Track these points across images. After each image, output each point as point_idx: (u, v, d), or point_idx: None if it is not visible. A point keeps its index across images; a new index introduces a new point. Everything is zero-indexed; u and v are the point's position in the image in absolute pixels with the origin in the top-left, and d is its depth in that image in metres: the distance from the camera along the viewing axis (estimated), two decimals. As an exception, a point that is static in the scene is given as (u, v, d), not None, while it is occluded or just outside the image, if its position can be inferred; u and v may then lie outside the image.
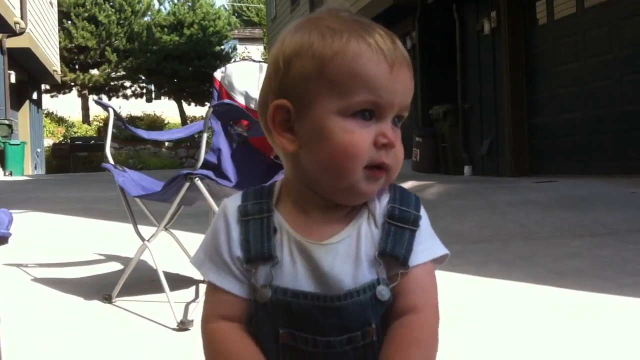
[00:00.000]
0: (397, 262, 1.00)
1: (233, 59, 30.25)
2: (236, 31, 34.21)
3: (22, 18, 14.94)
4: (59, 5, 24.85)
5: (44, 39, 18.40)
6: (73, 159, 23.77)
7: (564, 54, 8.42)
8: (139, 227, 2.85)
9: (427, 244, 1.03)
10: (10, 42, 15.09)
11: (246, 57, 32.91)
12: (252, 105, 3.09)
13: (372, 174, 0.98)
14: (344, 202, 1.01)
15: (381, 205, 1.03)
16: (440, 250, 1.05)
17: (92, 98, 29.24)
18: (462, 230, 4.61)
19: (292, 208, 1.03)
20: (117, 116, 2.87)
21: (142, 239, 2.73)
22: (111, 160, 2.80)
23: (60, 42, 24.42)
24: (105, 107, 2.86)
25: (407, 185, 7.82)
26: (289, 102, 0.98)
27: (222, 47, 30.19)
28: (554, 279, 3.01)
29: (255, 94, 3.09)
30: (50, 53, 19.47)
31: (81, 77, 29.04)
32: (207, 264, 1.05)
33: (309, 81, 0.97)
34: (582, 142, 8.13)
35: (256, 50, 36.27)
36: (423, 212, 1.05)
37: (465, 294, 2.85)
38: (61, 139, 26.45)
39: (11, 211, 4.90)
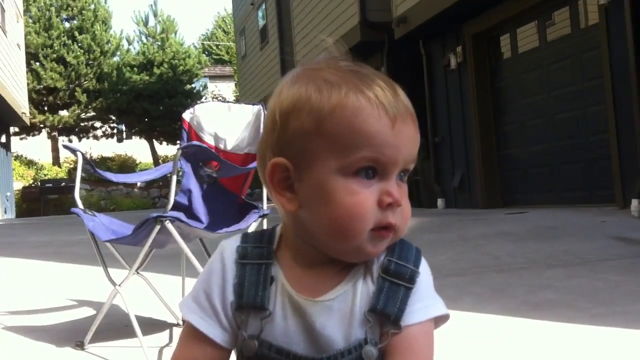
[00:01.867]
0: (389, 320, 0.94)
1: (204, 97, 30.37)
2: (206, 69, 34.32)
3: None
4: (27, 46, 24.77)
5: (12, 81, 18.29)
6: (43, 202, 23.45)
7: (529, 86, 8.60)
8: (111, 270, 2.82)
9: (425, 302, 0.97)
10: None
11: (217, 95, 32.92)
12: (222, 146, 3.10)
13: (378, 234, 0.92)
14: (348, 260, 0.96)
15: (379, 259, 0.97)
16: (440, 310, 0.98)
17: (61, 141, 29.02)
18: (436, 263, 4.62)
19: (290, 259, 0.99)
20: (86, 160, 2.86)
21: (113, 283, 2.70)
22: (80, 205, 2.77)
23: (28, 84, 24.27)
24: (74, 151, 2.85)
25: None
26: (287, 160, 0.94)
27: (193, 85, 30.23)
28: (527, 310, 3.03)
29: (224, 134, 3.10)
30: (18, 95, 19.33)
31: (50, 118, 28.82)
32: (192, 307, 1.00)
33: (307, 138, 0.92)
34: (550, 172, 8.26)
35: (227, 88, 36.44)
36: (424, 268, 0.99)
37: (440, 329, 2.85)
38: (31, 182, 26.11)
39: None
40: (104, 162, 27.58)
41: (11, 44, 18.78)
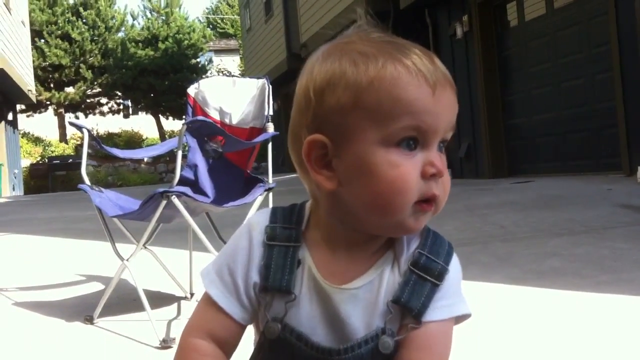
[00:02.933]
0: (410, 314, 0.93)
1: (209, 71, 30.26)
2: (211, 43, 34.16)
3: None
4: (31, 24, 24.69)
5: (17, 58, 18.26)
6: (51, 178, 23.56)
7: (536, 54, 8.53)
8: (119, 245, 2.84)
9: (449, 300, 0.95)
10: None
11: (222, 69, 32.79)
12: (227, 120, 3.10)
13: (421, 208, 0.90)
14: (389, 235, 0.95)
15: (409, 250, 0.96)
16: (463, 309, 0.97)
17: (67, 118, 29.07)
18: (442, 233, 4.60)
19: (320, 242, 0.97)
20: (92, 136, 2.87)
21: (121, 258, 2.73)
22: (87, 181, 2.79)
23: (34, 61, 24.24)
24: (79, 128, 2.86)
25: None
26: (324, 136, 0.91)
27: (198, 60, 30.12)
28: (532, 279, 3.04)
29: (229, 108, 3.10)
30: (24, 72, 19.32)
31: (57, 95, 28.83)
32: (214, 280, 0.99)
33: (346, 113, 0.89)
34: (557, 141, 8.23)
35: (232, 62, 36.31)
36: (454, 265, 0.97)
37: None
38: (39, 159, 26.21)
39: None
40: (111, 138, 27.63)
41: (16, 22, 18.72)
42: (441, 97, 0.89)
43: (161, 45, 28.51)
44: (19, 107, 23.34)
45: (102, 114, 31.28)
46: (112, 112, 31.59)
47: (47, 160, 25.10)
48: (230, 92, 3.13)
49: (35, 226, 7.07)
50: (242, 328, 0.99)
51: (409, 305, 0.92)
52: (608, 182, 6.34)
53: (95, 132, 27.59)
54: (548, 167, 8.37)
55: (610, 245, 3.60)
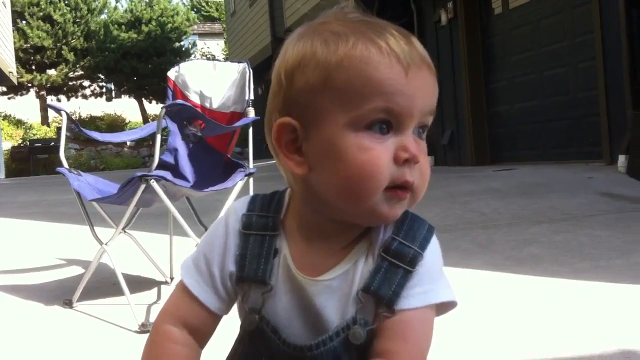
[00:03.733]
0: (382, 302, 0.89)
1: (193, 55, 30.05)
2: (195, 27, 33.91)
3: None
4: (13, 5, 24.35)
5: (-2, 40, 18.03)
6: (33, 161, 23.34)
7: (519, 42, 8.55)
8: (98, 229, 2.83)
9: (425, 287, 0.90)
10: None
11: (206, 53, 32.62)
12: (207, 105, 3.08)
13: (394, 194, 0.86)
14: (364, 224, 0.91)
15: (384, 236, 0.92)
16: (442, 296, 0.92)
17: (49, 100, 28.77)
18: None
19: (296, 231, 0.94)
20: (70, 119, 2.84)
21: (100, 242, 2.71)
22: (65, 164, 2.77)
23: (15, 43, 23.92)
24: (58, 111, 2.83)
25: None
26: (294, 119, 0.88)
27: (182, 43, 29.91)
28: (512, 265, 3.06)
29: (210, 92, 3.09)
30: (5, 54, 19.07)
31: (38, 77, 28.51)
32: (190, 268, 0.98)
33: (315, 93, 0.86)
34: (539, 129, 8.27)
35: (216, 46, 36.07)
36: (431, 250, 0.92)
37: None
38: (20, 141, 25.95)
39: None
40: (94, 122, 27.40)
41: (-5, 2, 18.46)
42: (415, 79, 0.86)
43: (144, 28, 28.27)
44: (0, 89, 23.06)
45: (85, 97, 30.99)
46: (95, 95, 31.30)
47: (28, 143, 24.85)
48: (211, 76, 3.11)
49: (14, 209, 7.01)
50: (217, 317, 0.98)
51: (380, 293, 0.88)
52: (589, 171, 6.39)
53: (77, 116, 27.28)
54: (530, 155, 8.41)
55: (589, 233, 3.63)
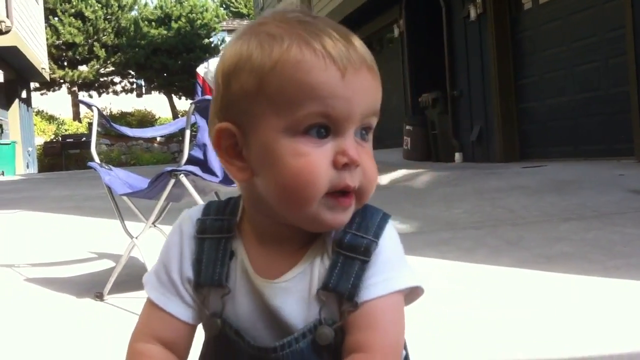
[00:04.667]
0: (343, 297, 0.86)
1: (222, 52, 30.15)
2: (224, 23, 34.04)
3: (7, 17, 14.87)
4: (45, 2, 24.71)
5: (31, 36, 18.31)
6: (65, 156, 23.69)
7: (549, 38, 8.45)
8: (129, 223, 2.87)
9: (385, 275, 0.88)
10: (-3, 41, 15.03)
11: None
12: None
13: (336, 202, 0.84)
14: (309, 230, 0.88)
15: (337, 231, 0.89)
16: (404, 282, 0.89)
17: (81, 96, 29.15)
18: (451, 217, 4.64)
19: (251, 234, 0.92)
20: (101, 114, 2.88)
21: (130, 236, 2.75)
22: (97, 159, 2.81)
23: (47, 40, 24.30)
24: (89, 106, 2.87)
25: (398, 174, 7.85)
26: (232, 124, 0.86)
27: (211, 39, 30.09)
28: (541, 263, 3.04)
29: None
30: (37, 51, 19.37)
31: (70, 74, 28.92)
32: (153, 282, 0.95)
33: (250, 99, 0.84)
34: (569, 126, 8.17)
35: (245, 42, 36.11)
36: (387, 237, 0.89)
37: (454, 280, 2.88)
38: (52, 137, 26.35)
39: (3, 211, 4.91)
40: (124, 117, 27.73)
41: (29, 0, 18.73)
42: (353, 81, 0.83)
43: (174, 25, 28.51)
44: (32, 85, 23.42)
45: (115, 93, 31.36)
46: (125, 91, 31.65)
47: (60, 139, 25.23)
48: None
49: (47, 204, 7.12)
50: (190, 327, 0.95)
51: (339, 289, 0.86)
52: (620, 168, 6.30)
53: (108, 111, 27.62)
54: (560, 152, 8.31)
55: (620, 231, 3.59)
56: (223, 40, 31.64)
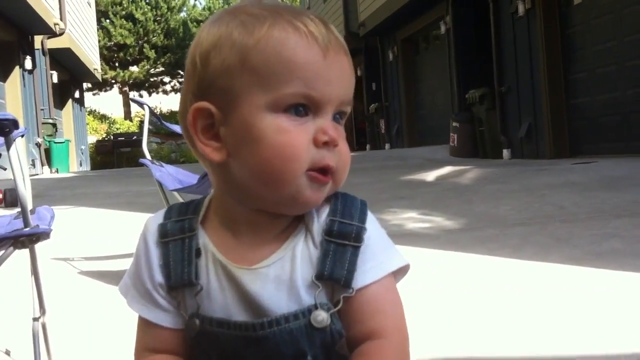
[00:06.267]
0: (339, 285, 0.86)
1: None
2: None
3: (61, 19, 15.24)
4: (97, 4, 25.27)
5: (84, 38, 18.75)
6: (116, 154, 24.20)
7: (600, 32, 8.28)
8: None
9: (377, 259, 0.88)
10: (51, 43, 15.42)
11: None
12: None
13: (316, 178, 0.84)
14: (287, 213, 0.87)
15: (320, 220, 0.88)
16: (396, 262, 0.90)
17: (131, 96, 29.72)
18: (499, 214, 4.60)
19: (220, 227, 0.90)
20: (152, 112, 2.95)
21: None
22: (148, 156, 2.88)
23: (99, 41, 24.85)
24: (141, 105, 2.95)
25: (445, 170, 7.80)
26: (210, 103, 0.85)
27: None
28: (591, 260, 3.00)
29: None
30: (90, 52, 19.82)
31: (121, 74, 29.53)
32: (132, 292, 0.93)
33: (231, 75, 0.84)
34: (621, 121, 8.00)
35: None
36: (371, 222, 0.90)
37: (501, 278, 2.87)
38: (104, 135, 26.95)
39: (57, 207, 5.08)
40: (174, 117, 28.13)
41: (82, 2, 19.19)
42: (334, 63, 0.84)
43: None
44: (85, 85, 23.98)
45: (165, 92, 31.90)
46: (175, 90, 32.15)
47: (112, 137, 25.78)
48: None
49: (100, 200, 7.30)
50: (179, 333, 0.92)
51: (334, 277, 0.85)
52: (674, 164, 6.14)
53: (158, 111, 27.95)
54: (611, 148, 8.14)
55: (673, 228, 3.51)
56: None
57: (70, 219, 6.15)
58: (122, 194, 8.03)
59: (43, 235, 1.46)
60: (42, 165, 14.71)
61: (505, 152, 9.91)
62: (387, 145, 16.16)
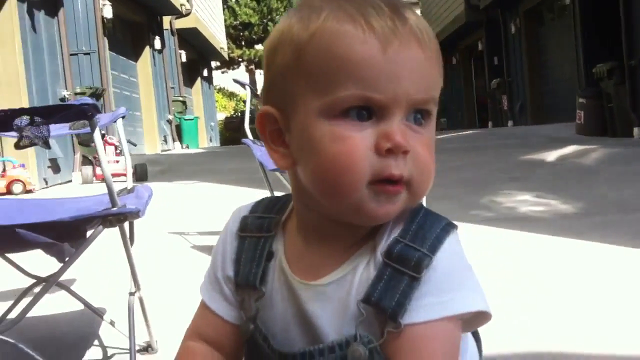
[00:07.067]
0: (384, 315, 0.76)
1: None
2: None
3: (187, 0, 15.84)
4: (223, -16, 26.03)
5: (210, 18, 19.39)
6: (243, 131, 24.94)
7: None
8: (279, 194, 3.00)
9: (439, 297, 0.76)
10: (179, 24, 16.11)
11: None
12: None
13: (381, 190, 0.74)
14: (355, 223, 0.79)
15: (389, 238, 0.78)
16: (464, 305, 0.76)
17: (257, 74, 30.50)
18: (621, 198, 4.37)
19: (296, 232, 0.85)
20: (254, 94, 3.03)
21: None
22: (250, 136, 2.98)
23: (225, 20, 25.62)
24: (243, 85, 3.04)
25: (568, 150, 7.47)
26: (274, 108, 0.80)
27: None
28: None
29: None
30: (216, 31, 20.49)
31: (247, 52, 30.34)
32: (205, 276, 0.93)
33: (288, 76, 0.77)
34: None
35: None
36: (448, 252, 0.77)
37: (617, 267, 2.73)
38: (232, 112, 27.87)
39: (183, 182, 5.32)
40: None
41: (209, -17, 19.82)
42: (398, 56, 0.73)
43: None
44: (213, 64, 24.85)
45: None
46: (298, 68, 32.66)
47: (240, 114, 26.62)
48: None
49: (223, 175, 7.55)
50: (234, 328, 0.89)
51: (382, 305, 0.76)
52: None
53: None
54: None
55: None
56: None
57: (193, 193, 6.47)
58: (245, 170, 8.27)
59: (131, 214, 1.54)
60: (174, 141, 15.46)
61: (637, 130, 9.32)
62: (509, 123, 15.67)
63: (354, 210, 0.76)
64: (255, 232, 0.87)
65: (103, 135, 7.80)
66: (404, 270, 0.76)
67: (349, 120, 0.74)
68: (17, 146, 1.52)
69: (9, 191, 6.97)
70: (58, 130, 1.97)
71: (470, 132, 14.42)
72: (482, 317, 0.79)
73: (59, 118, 1.62)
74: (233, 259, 0.88)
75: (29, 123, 1.50)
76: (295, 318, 0.82)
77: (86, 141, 7.96)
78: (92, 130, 1.58)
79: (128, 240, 1.72)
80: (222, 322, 0.89)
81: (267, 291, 0.85)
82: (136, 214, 1.55)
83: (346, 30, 0.73)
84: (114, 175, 2.04)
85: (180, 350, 0.93)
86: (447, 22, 18.18)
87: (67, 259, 1.56)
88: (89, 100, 1.60)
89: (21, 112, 1.51)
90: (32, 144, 1.52)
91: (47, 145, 1.58)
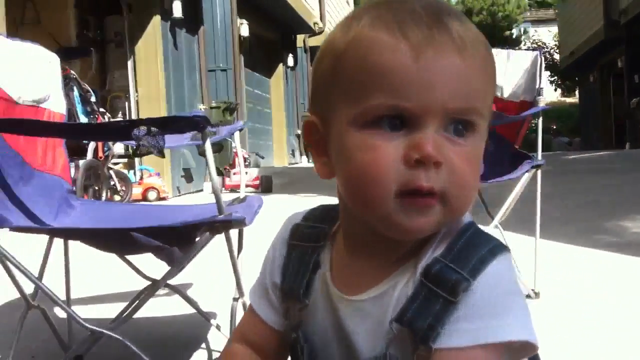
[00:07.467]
0: (416, 337, 0.73)
1: (523, 43, 29.42)
2: (528, 13, 33.02)
3: (320, 19, 16.19)
4: (355, 3, 26.37)
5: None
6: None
7: None
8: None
9: (476, 323, 0.72)
10: (311, 42, 16.50)
11: (536, 41, 31.76)
12: (499, 94, 3.08)
13: (410, 201, 0.71)
14: (392, 236, 0.76)
15: (431, 256, 0.76)
16: (504, 334, 0.72)
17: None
18: None
19: (343, 242, 0.84)
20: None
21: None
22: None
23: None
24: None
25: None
26: (316, 117, 0.80)
27: (512, 31, 29.43)
28: None
29: (502, 82, 3.08)
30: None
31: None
32: (255, 282, 0.93)
33: (327, 86, 0.77)
34: None
35: (547, 32, 34.64)
36: (491, 275, 0.73)
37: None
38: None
39: (304, 195, 5.45)
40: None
41: (341, 1, 20.15)
42: (434, 63, 0.70)
43: (475, 19, 28.44)
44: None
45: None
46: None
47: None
48: (504, 66, 3.10)
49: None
50: (277, 334, 0.89)
51: (414, 326, 0.73)
52: None
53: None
54: None
55: None
56: (524, 32, 30.74)
57: (310, 206, 6.56)
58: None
59: (236, 222, 1.61)
60: (301, 155, 15.80)
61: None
62: (650, 144, 14.81)
63: (384, 222, 0.74)
64: (305, 241, 0.87)
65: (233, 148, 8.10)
66: (439, 292, 0.73)
67: (381, 130, 0.72)
68: (135, 154, 1.65)
69: (144, 198, 7.40)
70: (178, 141, 2.10)
71: (604, 153, 13.73)
72: (528, 347, 0.74)
73: (173, 129, 1.73)
74: (280, 267, 0.88)
75: (146, 133, 1.62)
76: (334, 332, 0.81)
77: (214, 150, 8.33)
78: (204, 141, 1.65)
79: (233, 247, 1.79)
80: (267, 328, 0.89)
81: (311, 302, 0.84)
82: (242, 222, 1.60)
83: (379, 39, 0.72)
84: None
85: (224, 351, 0.96)
86: (585, 38, 17.49)
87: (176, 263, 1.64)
88: (201, 113, 1.70)
89: (139, 122, 1.63)
90: (148, 153, 1.64)
91: (161, 154, 1.69)
